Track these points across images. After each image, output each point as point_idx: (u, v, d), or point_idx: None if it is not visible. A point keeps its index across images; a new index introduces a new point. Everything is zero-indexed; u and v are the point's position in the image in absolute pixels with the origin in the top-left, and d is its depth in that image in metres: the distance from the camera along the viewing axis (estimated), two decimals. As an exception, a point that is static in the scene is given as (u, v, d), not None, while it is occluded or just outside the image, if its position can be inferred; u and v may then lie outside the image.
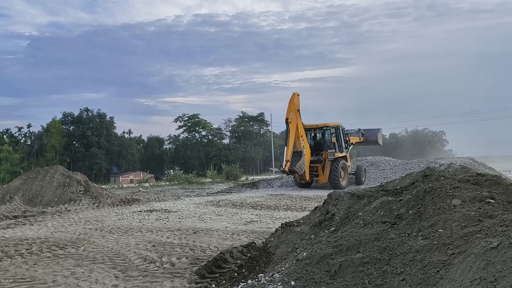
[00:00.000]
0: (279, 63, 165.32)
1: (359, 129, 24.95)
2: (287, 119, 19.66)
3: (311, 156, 20.89)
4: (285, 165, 19.25)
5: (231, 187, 23.95)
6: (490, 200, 4.33)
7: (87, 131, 69.01)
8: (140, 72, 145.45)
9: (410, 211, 4.69)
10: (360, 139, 24.20)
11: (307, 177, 20.72)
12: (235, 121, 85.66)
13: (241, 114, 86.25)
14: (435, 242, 3.95)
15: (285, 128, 20.12)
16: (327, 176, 20.85)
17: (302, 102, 20.92)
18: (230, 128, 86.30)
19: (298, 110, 20.32)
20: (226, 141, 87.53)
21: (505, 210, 4.14)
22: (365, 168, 23.03)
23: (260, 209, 13.25)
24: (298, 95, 20.58)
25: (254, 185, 24.56)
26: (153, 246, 7.47)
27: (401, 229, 4.46)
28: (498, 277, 2.78)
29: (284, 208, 13.43)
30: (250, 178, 36.62)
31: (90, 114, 71.79)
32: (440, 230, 4.16)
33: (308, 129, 21.75)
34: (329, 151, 20.90)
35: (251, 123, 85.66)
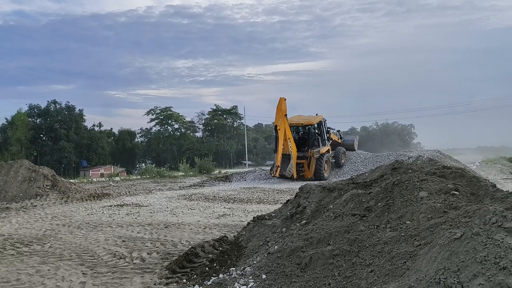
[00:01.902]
0: (252, 56, 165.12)
1: (339, 131, 26.31)
2: (276, 125, 20.15)
3: (297, 151, 21.42)
4: (276, 170, 20.16)
5: (203, 181, 23.82)
6: (455, 192, 4.45)
7: (55, 124, 66.82)
8: (110, 64, 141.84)
9: (379, 204, 4.77)
10: (338, 140, 25.20)
11: (295, 176, 21.25)
12: (208, 114, 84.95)
13: (214, 107, 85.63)
14: (402, 234, 4.03)
15: (275, 135, 20.66)
16: (312, 172, 21.55)
17: (275, 95, 21.36)
18: (203, 121, 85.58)
19: (286, 115, 20.74)
20: (199, 134, 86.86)
21: (468, 201, 4.27)
22: (343, 151, 23.80)
23: (232, 203, 13.24)
24: (285, 99, 20.95)
25: (227, 178, 24.53)
26: (123, 241, 7.33)
27: (370, 221, 4.54)
28: (461, 267, 2.86)
29: (257, 201, 13.47)
30: (223, 171, 36.51)
31: (58, 106, 69.51)
32: (408, 222, 4.25)
33: (293, 126, 22.26)
34: (314, 149, 21.46)
35: (224, 116, 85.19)
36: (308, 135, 22.61)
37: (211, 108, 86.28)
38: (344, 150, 24.29)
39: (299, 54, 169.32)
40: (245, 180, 23.70)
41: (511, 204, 3.26)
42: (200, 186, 20.97)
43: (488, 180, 4.96)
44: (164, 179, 26.10)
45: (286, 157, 20.52)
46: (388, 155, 25.13)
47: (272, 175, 20.96)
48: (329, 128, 24.08)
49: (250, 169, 31.69)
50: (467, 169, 5.44)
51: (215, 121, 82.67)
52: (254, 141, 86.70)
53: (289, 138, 20.66)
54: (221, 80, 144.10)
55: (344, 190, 5.51)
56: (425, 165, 5.59)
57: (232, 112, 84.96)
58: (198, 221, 9.54)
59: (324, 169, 21.63)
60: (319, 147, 22.01)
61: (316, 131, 22.70)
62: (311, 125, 22.48)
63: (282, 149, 20.36)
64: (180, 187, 20.32)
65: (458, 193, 4.46)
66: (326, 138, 22.98)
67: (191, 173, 31.79)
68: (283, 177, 20.94)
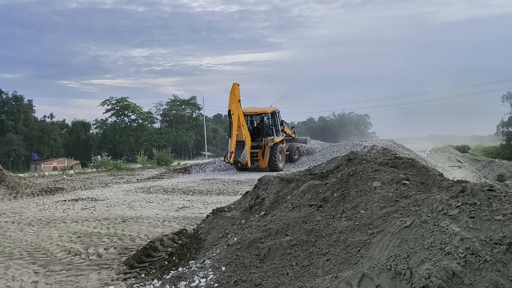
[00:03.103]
0: (211, 45, 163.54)
1: (293, 126, 27.07)
2: (229, 111, 20.18)
3: (251, 142, 21.46)
4: (230, 156, 19.93)
5: (162, 173, 23.46)
6: (405, 182, 4.66)
7: (1, 115, 63.25)
8: (62, 52, 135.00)
9: (335, 194, 4.91)
10: (292, 134, 25.72)
11: (249, 164, 21.40)
12: (166, 105, 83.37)
13: (173, 98, 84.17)
14: (357, 223, 4.18)
15: (228, 121, 20.39)
16: (267, 161, 21.69)
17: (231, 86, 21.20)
18: (161, 112, 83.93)
19: (239, 101, 20.75)
20: (157, 125, 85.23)
21: (418, 190, 4.49)
22: (297, 147, 24.13)
23: (192, 195, 13.19)
24: (238, 85, 21.01)
25: (186, 170, 24.34)
26: (79, 237, 7.12)
27: (327, 212, 4.66)
28: (410, 253, 3.02)
29: (217, 193, 13.50)
30: (182, 163, 36.10)
31: (4, 96, 65.66)
32: (362, 211, 4.41)
33: (247, 115, 22.37)
34: (269, 137, 21.71)
35: (183, 106, 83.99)
36: (262, 126, 22.87)
37: (169, 99, 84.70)
38: (298, 146, 24.44)
39: (258, 45, 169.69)
40: (204, 171, 23.63)
41: (455, 193, 3.46)
42: (159, 178, 20.68)
43: (436, 170, 5.24)
44: (121, 172, 25.46)
45: (240, 144, 20.58)
46: (345, 144, 25.80)
47: (226, 161, 20.89)
48: (283, 121, 24.45)
49: (209, 160, 31.53)
50: (417, 159, 5.71)
51: (174, 111, 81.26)
52: (214, 132, 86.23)
53: (242, 125, 20.74)
54: (179, 70, 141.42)
55: (302, 181, 5.64)
56: (378, 156, 5.81)
57: (191, 103, 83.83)
58: (156, 214, 9.43)
59: (279, 159, 21.88)
60: (273, 136, 22.26)
61: (270, 121, 23.02)
62: (265, 114, 22.76)
63: (236, 135, 20.35)
64: (138, 179, 19.92)
65: (408, 182, 4.66)
66: (280, 129, 23.36)
67: (149, 165, 31.17)
68: (237, 163, 21.01)
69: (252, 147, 21.46)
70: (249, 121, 22.91)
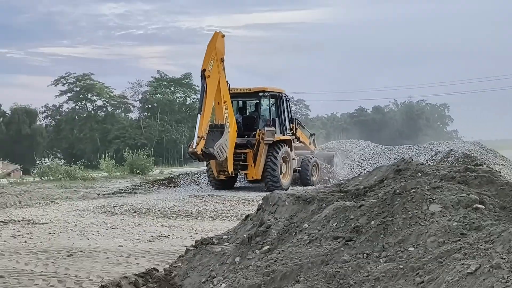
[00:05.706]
0: (215, 1, 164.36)
1: (313, 134, 25.87)
2: (204, 70, 18.83)
3: (237, 137, 20.47)
4: (197, 144, 18.02)
5: (135, 185, 23.57)
6: (478, 206, 4.63)
7: None
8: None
9: (373, 222, 4.88)
10: (310, 145, 24.41)
11: (230, 168, 19.91)
12: (148, 86, 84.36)
13: (158, 76, 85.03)
14: (401, 266, 4.14)
15: (201, 86, 19.42)
16: (260, 168, 20.31)
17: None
18: (140, 96, 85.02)
19: (222, 60, 19.95)
20: (134, 115, 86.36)
21: (496, 218, 4.44)
22: (316, 162, 22.85)
23: (175, 218, 13.28)
24: (223, 36, 20.14)
25: (171, 182, 24.43)
26: (1, 277, 7.22)
27: (359, 248, 4.63)
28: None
29: (211, 216, 13.56)
30: (166, 171, 36.20)
31: None
32: (411, 249, 4.38)
33: (234, 96, 21.35)
34: (266, 129, 20.38)
35: (173, 88, 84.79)
36: (257, 115, 21.79)
37: (152, 77, 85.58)
38: (317, 161, 23.04)
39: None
40: (198, 184, 23.61)
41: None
42: (130, 193, 20.81)
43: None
44: (76, 183, 25.70)
45: (217, 130, 19.15)
46: (408, 148, 25.74)
47: (190, 150, 18.57)
48: (295, 118, 23.51)
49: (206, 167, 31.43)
50: (497, 173, 5.65)
51: (158, 95, 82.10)
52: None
53: (225, 102, 19.75)
54: (168, 35, 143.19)
55: (327, 201, 5.61)
56: (440, 167, 5.75)
57: (184, 83, 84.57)
58: (119, 246, 9.54)
59: (281, 170, 20.52)
60: (273, 129, 20.91)
61: (273, 109, 21.97)
62: (263, 95, 21.44)
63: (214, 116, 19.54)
64: (99, 194, 20.14)
65: (483, 207, 4.62)
66: (288, 125, 22.29)
67: (117, 173, 31.34)
68: (208, 157, 18.89)
69: (238, 146, 20.26)
70: (237, 105, 22.28)
